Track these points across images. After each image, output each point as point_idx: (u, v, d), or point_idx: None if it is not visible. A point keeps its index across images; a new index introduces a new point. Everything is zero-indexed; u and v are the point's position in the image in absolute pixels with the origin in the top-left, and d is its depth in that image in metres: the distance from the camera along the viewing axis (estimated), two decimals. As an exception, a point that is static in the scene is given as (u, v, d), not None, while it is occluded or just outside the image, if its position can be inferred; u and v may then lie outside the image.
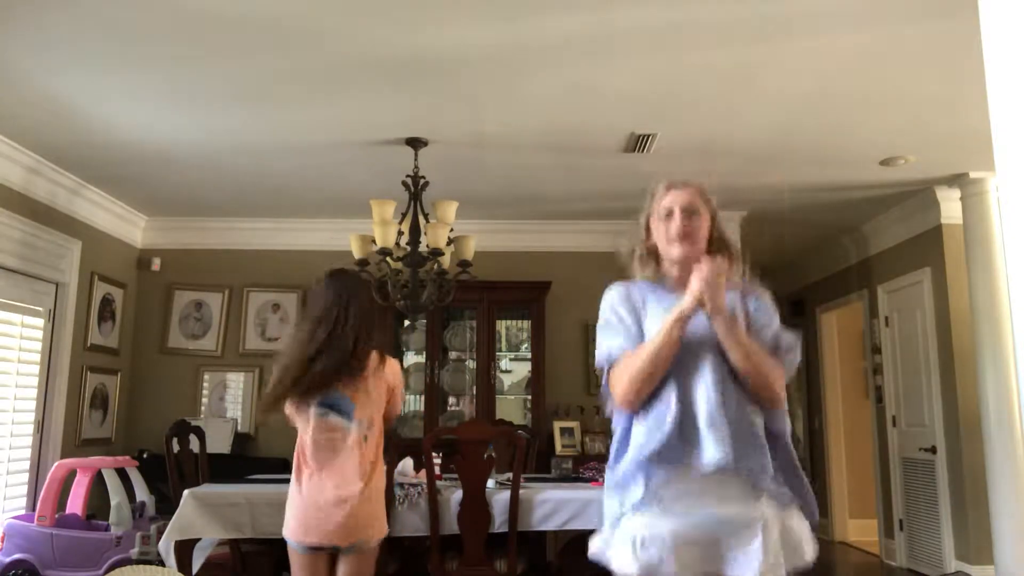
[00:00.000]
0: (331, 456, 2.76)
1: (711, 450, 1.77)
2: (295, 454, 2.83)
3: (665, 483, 1.81)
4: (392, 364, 2.93)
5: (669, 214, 1.96)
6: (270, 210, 6.02)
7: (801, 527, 1.84)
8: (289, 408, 2.83)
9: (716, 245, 1.98)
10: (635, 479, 1.83)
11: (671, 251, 1.96)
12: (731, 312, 1.88)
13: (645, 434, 1.85)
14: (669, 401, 1.84)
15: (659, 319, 1.88)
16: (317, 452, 2.77)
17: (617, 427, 1.97)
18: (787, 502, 1.84)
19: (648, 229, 2.03)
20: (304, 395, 2.75)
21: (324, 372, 2.73)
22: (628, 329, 1.93)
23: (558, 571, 3.82)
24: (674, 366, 1.85)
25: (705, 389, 1.83)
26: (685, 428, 1.81)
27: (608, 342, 1.95)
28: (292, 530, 2.78)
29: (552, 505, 3.45)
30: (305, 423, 2.80)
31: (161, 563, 3.32)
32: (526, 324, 6.11)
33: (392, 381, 2.89)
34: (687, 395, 1.84)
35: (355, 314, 2.80)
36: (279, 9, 3.11)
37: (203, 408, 6.17)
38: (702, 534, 1.77)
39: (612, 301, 1.99)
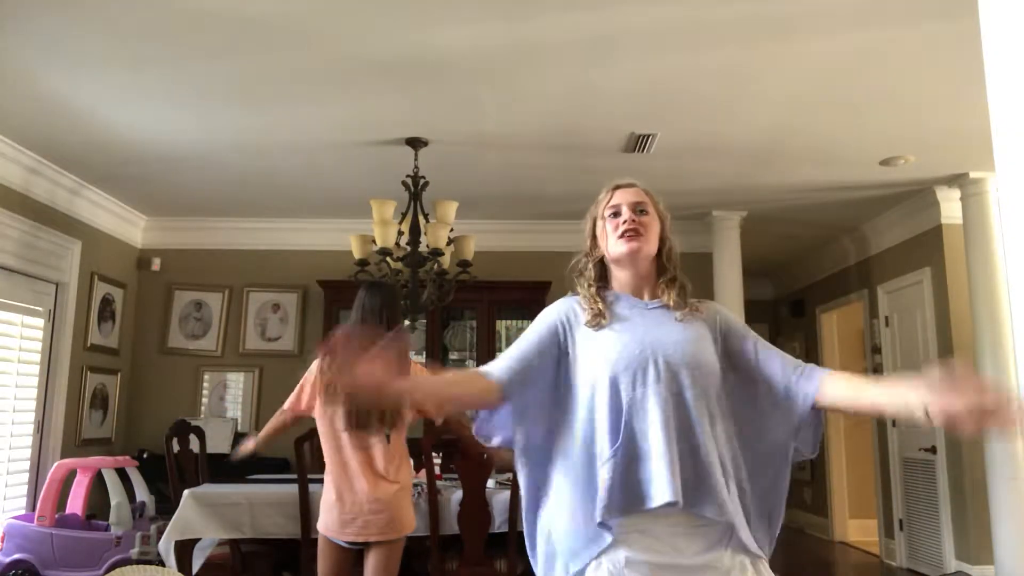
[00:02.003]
0: (362, 455, 2.91)
1: (662, 489, 1.54)
2: (325, 451, 2.97)
3: (623, 530, 1.56)
4: (415, 366, 3.04)
5: (616, 213, 1.76)
6: (270, 210, 6.02)
7: None
8: (317, 405, 2.98)
9: (666, 254, 1.77)
10: (586, 537, 1.58)
11: (617, 248, 1.73)
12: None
13: (582, 484, 1.60)
14: (602, 443, 1.60)
15: (591, 342, 1.68)
16: (348, 452, 2.92)
17: (521, 465, 1.71)
18: (756, 552, 1.62)
19: (594, 237, 1.80)
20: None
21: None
22: (520, 347, 1.72)
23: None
24: (612, 392, 1.61)
25: (660, 417, 1.58)
26: (632, 465, 1.57)
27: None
28: (328, 527, 2.94)
29: (552, 505, 3.45)
30: (332, 424, 2.94)
31: (161, 563, 3.33)
32: (526, 324, 6.07)
33: None
34: (636, 426, 1.59)
35: (397, 322, 3.06)
36: (279, 9, 3.11)
37: (203, 408, 6.17)
38: (666, 568, 1.57)
39: (542, 316, 1.78)
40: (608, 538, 1.56)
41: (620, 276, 1.78)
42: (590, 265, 1.79)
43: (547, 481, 1.69)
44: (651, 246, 1.75)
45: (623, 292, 1.76)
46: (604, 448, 1.60)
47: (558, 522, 1.64)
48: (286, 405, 3.11)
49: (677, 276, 1.77)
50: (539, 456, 1.70)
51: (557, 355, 1.71)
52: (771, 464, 1.71)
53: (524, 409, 1.68)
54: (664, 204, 1.81)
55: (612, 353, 1.64)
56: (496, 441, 1.71)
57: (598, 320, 1.70)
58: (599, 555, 1.56)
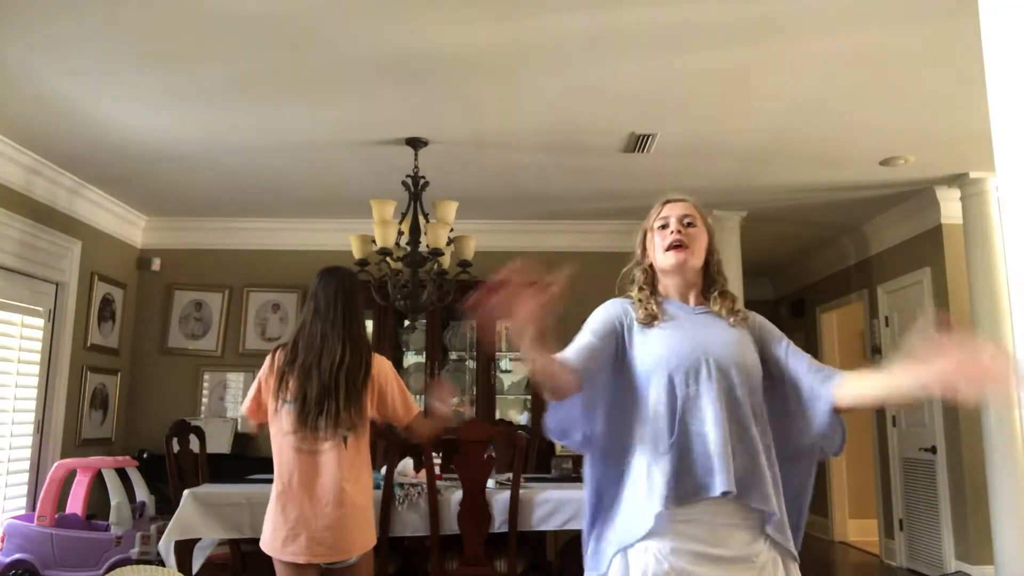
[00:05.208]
0: (310, 463, 2.62)
1: (719, 479, 1.62)
2: (275, 455, 2.69)
3: (673, 519, 1.64)
4: (378, 360, 2.79)
5: (664, 225, 1.86)
6: (270, 210, 6.02)
7: None
8: (270, 408, 2.71)
9: (714, 266, 1.88)
10: (636, 523, 1.66)
11: (665, 260, 1.84)
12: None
13: (638, 475, 1.69)
14: (665, 436, 1.68)
15: (645, 340, 1.77)
16: (295, 458, 2.63)
17: (588, 458, 1.79)
18: (790, 550, 1.70)
19: (644, 248, 1.92)
20: (318, 400, 2.63)
21: (333, 372, 2.64)
22: (582, 341, 1.78)
23: (558, 571, 3.82)
24: (668, 389, 1.70)
25: (713, 412, 1.67)
26: (689, 458, 1.66)
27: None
28: (270, 545, 2.63)
29: (552, 505, 3.45)
30: (281, 425, 2.67)
31: (161, 563, 3.32)
32: (526, 324, 6.10)
33: (379, 379, 2.75)
34: (691, 420, 1.68)
35: (353, 310, 2.77)
36: (279, 9, 3.11)
37: (203, 408, 6.17)
38: (708, 559, 1.64)
39: (597, 313, 1.86)
40: (658, 524, 1.63)
41: (667, 283, 1.88)
42: (639, 273, 1.90)
43: (608, 474, 1.77)
44: (697, 258, 1.86)
45: (671, 297, 1.87)
46: (662, 441, 1.69)
47: (614, 511, 1.73)
48: (245, 411, 2.81)
49: (727, 288, 1.88)
50: (599, 450, 1.78)
51: (615, 351, 1.80)
52: (800, 463, 1.81)
53: (592, 401, 1.75)
54: (711, 218, 1.92)
55: (665, 350, 1.75)
56: (577, 437, 1.76)
57: (651, 320, 1.80)
58: (646, 539, 1.64)
